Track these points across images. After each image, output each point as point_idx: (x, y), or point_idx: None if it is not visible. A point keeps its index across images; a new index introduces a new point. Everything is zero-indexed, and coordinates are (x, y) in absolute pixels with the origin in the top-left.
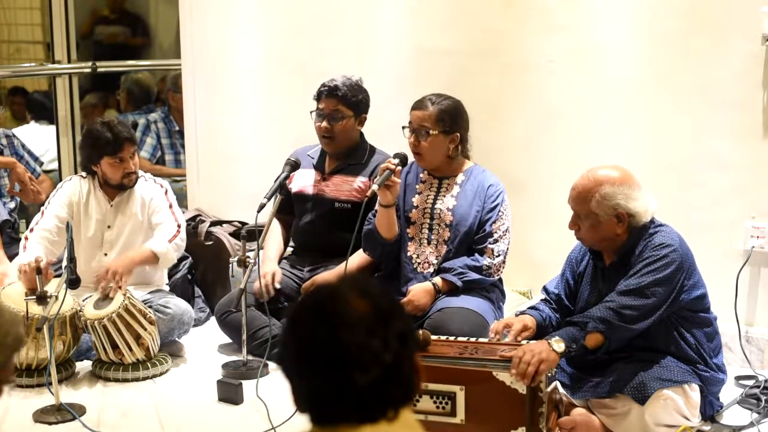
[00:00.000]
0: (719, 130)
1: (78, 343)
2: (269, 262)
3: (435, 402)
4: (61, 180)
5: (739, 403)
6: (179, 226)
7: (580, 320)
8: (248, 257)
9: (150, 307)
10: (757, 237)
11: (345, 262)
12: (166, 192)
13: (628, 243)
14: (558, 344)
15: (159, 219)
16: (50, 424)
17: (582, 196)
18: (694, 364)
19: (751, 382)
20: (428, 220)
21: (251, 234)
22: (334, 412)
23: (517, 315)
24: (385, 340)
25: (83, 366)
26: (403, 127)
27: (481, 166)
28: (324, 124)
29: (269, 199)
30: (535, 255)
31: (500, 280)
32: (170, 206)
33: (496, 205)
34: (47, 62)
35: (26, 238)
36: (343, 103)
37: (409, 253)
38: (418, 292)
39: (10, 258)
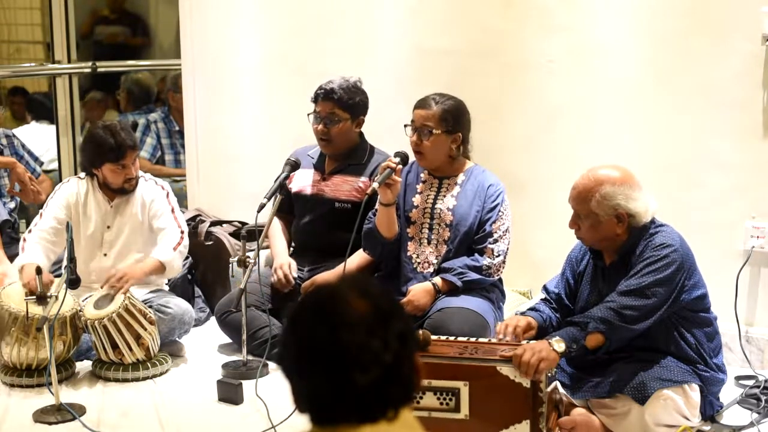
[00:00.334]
0: (719, 130)
1: (78, 343)
2: (281, 255)
3: (439, 398)
4: (61, 180)
5: (739, 403)
6: (182, 232)
7: (581, 320)
8: (248, 257)
9: (150, 307)
10: (757, 237)
11: (344, 261)
12: (167, 195)
13: (629, 243)
14: (558, 344)
15: (161, 224)
16: (50, 424)
17: (582, 196)
18: (694, 364)
19: (751, 382)
20: (428, 220)
21: (251, 234)
22: (334, 412)
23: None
24: (385, 340)
25: (83, 366)
26: (405, 126)
27: (482, 166)
28: (320, 126)
29: (269, 199)
30: (535, 255)
31: (500, 280)
32: (172, 210)
33: (496, 205)
34: (47, 62)
35: (24, 240)
36: (339, 107)
37: (409, 253)
38: (418, 292)
39: (10, 258)
